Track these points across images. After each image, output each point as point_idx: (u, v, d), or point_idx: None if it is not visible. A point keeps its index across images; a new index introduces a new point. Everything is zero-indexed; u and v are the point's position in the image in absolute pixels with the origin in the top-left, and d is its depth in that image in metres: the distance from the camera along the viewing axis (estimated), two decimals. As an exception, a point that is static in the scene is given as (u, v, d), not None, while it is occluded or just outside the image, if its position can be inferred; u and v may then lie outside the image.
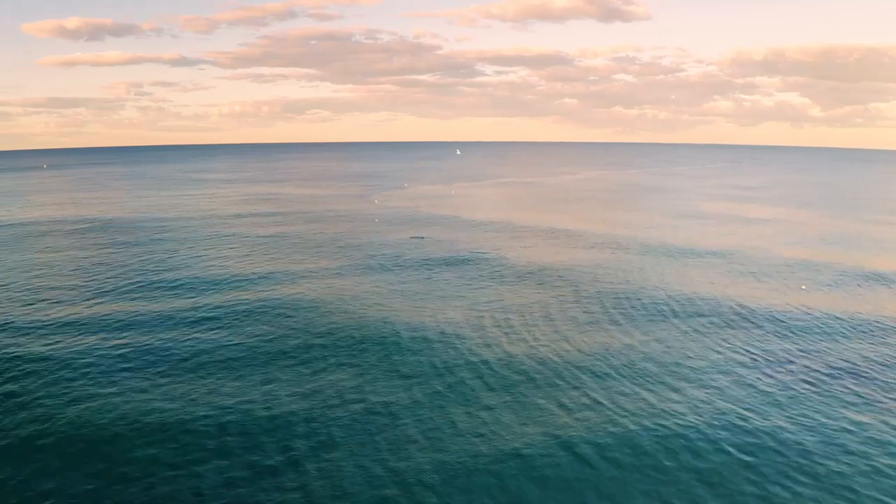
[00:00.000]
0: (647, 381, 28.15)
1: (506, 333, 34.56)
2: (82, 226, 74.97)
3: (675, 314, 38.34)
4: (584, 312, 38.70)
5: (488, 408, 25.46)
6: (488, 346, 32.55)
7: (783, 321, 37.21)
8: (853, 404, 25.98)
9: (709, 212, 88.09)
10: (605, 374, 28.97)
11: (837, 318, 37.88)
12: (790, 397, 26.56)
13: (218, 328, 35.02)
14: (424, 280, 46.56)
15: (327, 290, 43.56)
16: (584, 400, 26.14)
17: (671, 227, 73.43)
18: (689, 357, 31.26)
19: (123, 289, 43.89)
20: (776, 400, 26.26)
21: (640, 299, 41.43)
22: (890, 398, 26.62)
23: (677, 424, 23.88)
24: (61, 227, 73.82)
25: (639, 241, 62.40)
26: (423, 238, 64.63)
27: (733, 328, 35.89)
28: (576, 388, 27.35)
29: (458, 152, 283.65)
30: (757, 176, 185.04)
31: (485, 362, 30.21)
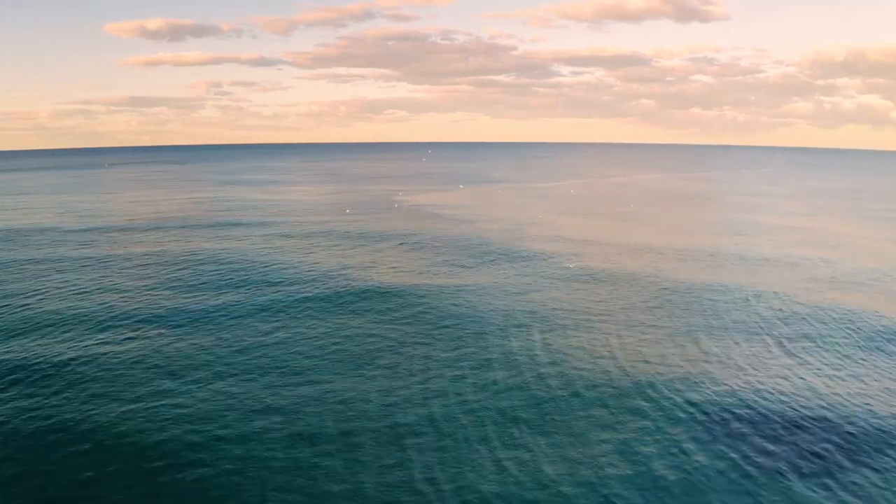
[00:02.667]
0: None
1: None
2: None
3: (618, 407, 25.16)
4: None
5: None
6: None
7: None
8: None
9: (742, 227, 72.78)
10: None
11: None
12: None
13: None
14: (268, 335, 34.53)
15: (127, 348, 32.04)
16: None
17: (674, 250, 59.01)
18: None
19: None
20: None
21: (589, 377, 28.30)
22: None
23: None
24: None
25: (625, 272, 48.63)
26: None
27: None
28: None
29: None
30: (823, 181, 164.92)
31: None
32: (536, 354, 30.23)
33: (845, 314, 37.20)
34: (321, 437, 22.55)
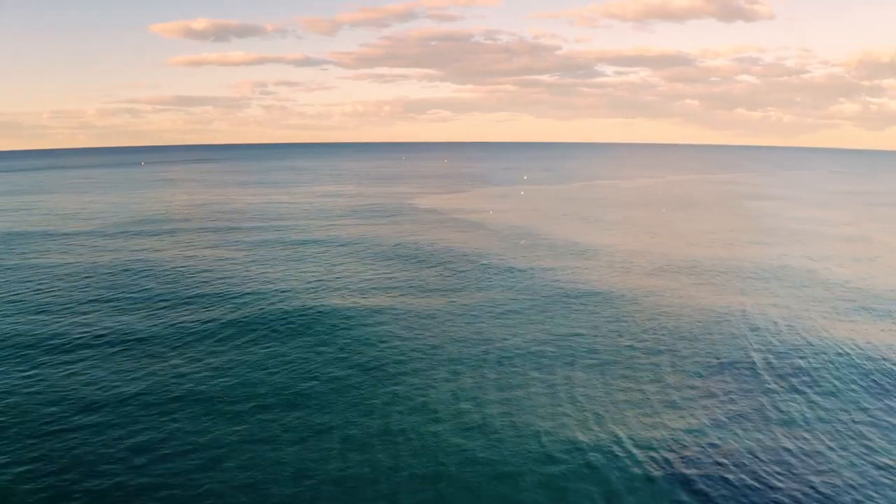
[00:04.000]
0: None
1: None
2: None
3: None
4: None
5: None
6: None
7: None
8: None
9: (761, 236, 66.01)
10: None
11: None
12: None
13: None
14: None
15: None
16: None
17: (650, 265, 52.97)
18: None
19: None
20: None
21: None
22: None
23: None
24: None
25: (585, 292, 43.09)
26: None
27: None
28: None
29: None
30: (860, 185, 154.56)
31: None
32: (477, 403, 25.24)
33: (857, 351, 31.27)
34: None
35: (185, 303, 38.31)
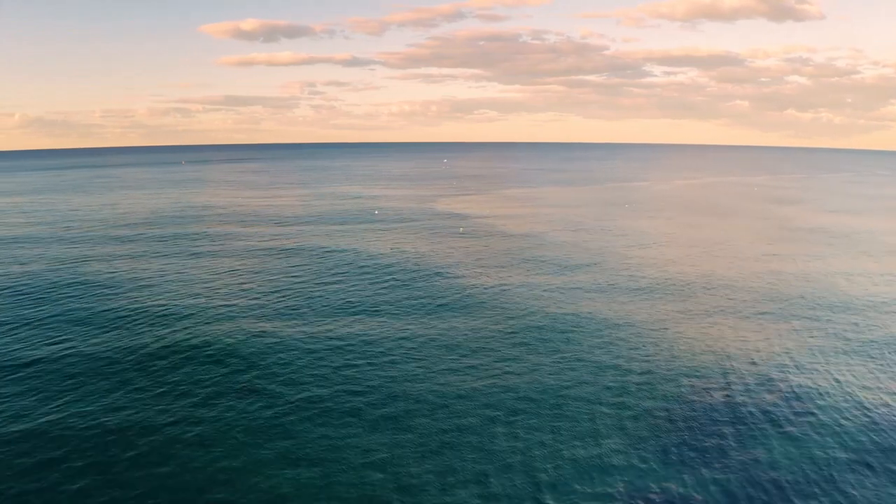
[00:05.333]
0: None
1: None
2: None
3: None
4: None
5: None
6: None
7: None
8: None
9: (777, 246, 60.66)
10: None
11: None
12: None
13: None
14: None
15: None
16: None
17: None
18: None
19: None
20: None
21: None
22: None
23: None
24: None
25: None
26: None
27: None
28: None
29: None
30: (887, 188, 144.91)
31: None
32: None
33: (852, 402, 26.99)
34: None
35: (120, 321, 35.93)
